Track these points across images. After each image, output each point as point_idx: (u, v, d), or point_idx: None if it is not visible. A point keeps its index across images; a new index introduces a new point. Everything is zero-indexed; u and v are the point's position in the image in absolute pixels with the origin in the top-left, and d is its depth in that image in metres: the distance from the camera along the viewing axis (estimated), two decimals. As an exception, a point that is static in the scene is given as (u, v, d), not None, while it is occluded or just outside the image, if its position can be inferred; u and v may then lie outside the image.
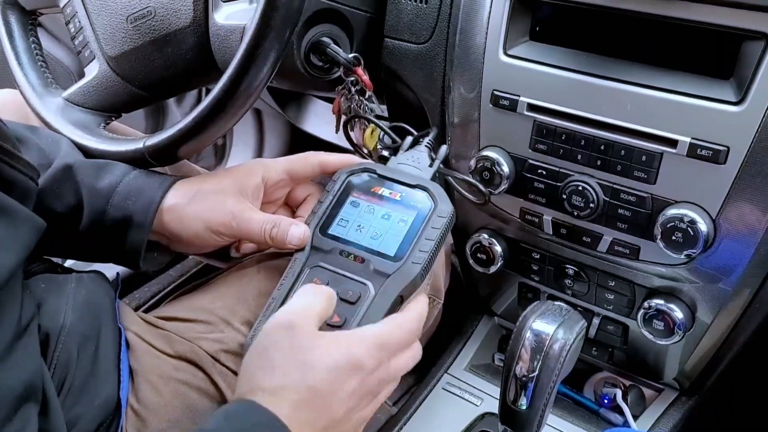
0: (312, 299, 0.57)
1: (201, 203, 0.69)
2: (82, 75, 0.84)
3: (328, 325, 0.60)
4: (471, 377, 0.92)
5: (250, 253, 0.76)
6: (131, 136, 0.93)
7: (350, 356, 0.53)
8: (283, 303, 0.63)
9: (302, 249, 0.67)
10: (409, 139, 0.78)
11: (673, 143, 0.68)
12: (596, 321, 0.86)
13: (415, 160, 0.75)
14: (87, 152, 0.76)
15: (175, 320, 0.70)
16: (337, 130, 0.95)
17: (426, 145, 0.77)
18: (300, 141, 1.55)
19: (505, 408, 0.71)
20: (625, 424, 0.85)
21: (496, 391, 0.89)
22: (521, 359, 0.69)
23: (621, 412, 0.87)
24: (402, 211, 0.68)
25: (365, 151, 0.94)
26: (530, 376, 0.68)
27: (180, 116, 1.63)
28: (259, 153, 1.64)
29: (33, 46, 0.87)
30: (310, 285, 0.61)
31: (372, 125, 0.88)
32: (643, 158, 0.70)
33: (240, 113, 0.70)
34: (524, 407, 0.69)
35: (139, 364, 0.65)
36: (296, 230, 0.67)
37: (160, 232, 0.70)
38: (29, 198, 0.58)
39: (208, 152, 1.85)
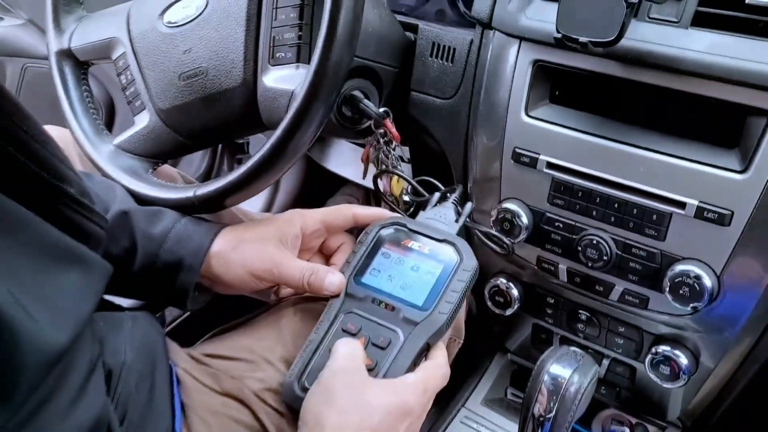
0: (354, 348, 0.63)
1: (245, 251, 0.74)
2: (111, 110, 0.89)
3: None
4: (487, 411, 0.97)
5: (287, 297, 0.81)
6: (174, 179, 0.99)
7: (403, 402, 0.59)
8: (319, 346, 0.69)
9: (337, 296, 0.72)
10: (437, 195, 0.84)
11: (681, 205, 0.74)
12: (606, 362, 0.91)
13: (443, 216, 0.80)
14: (139, 197, 0.81)
15: (220, 358, 0.75)
16: (364, 177, 1.01)
17: (453, 202, 0.83)
18: (315, 176, 1.60)
19: (524, 446, 0.76)
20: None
21: (509, 424, 0.95)
22: (539, 401, 0.74)
23: (627, 448, 0.92)
24: (430, 263, 0.74)
25: (390, 197, 1.00)
26: (547, 416, 0.73)
27: (208, 158, 1.71)
28: (275, 188, 1.68)
29: (85, 94, 0.92)
30: (345, 338, 0.66)
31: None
32: (654, 217, 0.76)
33: (286, 169, 0.75)
34: (541, 446, 0.74)
35: (190, 400, 0.70)
36: (333, 278, 0.72)
37: (206, 275, 0.75)
38: (100, 246, 0.64)
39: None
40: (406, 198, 0.96)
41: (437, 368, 0.65)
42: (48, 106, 0.96)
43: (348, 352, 0.62)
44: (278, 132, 0.72)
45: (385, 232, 0.77)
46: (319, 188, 1.66)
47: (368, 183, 1.00)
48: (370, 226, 0.77)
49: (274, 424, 0.70)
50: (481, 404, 0.97)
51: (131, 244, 0.74)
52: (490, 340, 1.06)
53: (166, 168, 0.95)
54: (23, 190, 0.50)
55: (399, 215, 0.80)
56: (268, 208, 1.74)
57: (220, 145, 1.71)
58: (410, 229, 0.77)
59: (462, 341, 0.92)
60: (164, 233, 0.74)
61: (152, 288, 0.75)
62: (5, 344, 0.42)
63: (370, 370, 0.66)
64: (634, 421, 0.95)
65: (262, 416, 0.70)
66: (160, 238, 0.74)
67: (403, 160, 1.06)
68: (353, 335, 0.69)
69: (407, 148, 1.11)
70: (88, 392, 0.56)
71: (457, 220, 0.79)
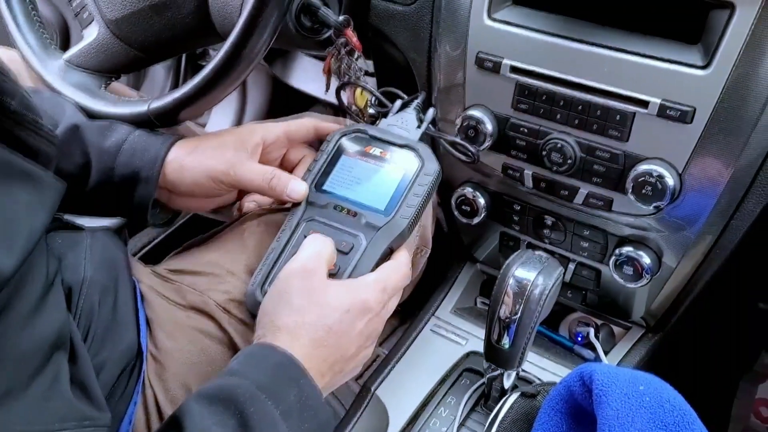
0: (321, 247, 0.62)
1: (201, 154, 0.73)
2: (66, 32, 0.86)
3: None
4: (456, 319, 0.98)
5: (250, 212, 0.80)
6: (129, 96, 0.96)
7: (362, 300, 0.60)
8: (281, 254, 0.69)
9: (299, 204, 0.72)
10: (398, 102, 0.83)
11: (644, 104, 0.73)
12: (572, 266, 0.92)
13: (404, 122, 0.80)
14: (92, 114, 0.79)
15: (184, 273, 0.75)
16: (327, 90, 0.98)
17: (414, 108, 0.82)
18: (282, 94, 1.57)
19: (490, 347, 0.78)
20: (597, 359, 0.92)
21: (479, 331, 0.96)
22: (504, 303, 0.75)
23: (593, 349, 0.94)
24: (391, 169, 0.73)
25: (354, 109, 0.98)
26: (513, 318, 0.74)
27: (162, 74, 1.66)
28: (242, 105, 1.65)
29: (30, 7, 0.88)
30: (317, 234, 0.66)
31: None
32: (617, 118, 0.75)
33: (241, 78, 0.73)
34: (507, 346, 0.76)
35: (155, 314, 0.70)
36: (296, 185, 0.72)
37: (163, 186, 0.74)
38: (51, 163, 0.62)
39: None
40: (372, 111, 0.94)
41: (397, 267, 0.65)
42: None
43: (313, 252, 0.62)
44: (231, 38, 0.70)
45: (346, 139, 0.76)
46: (287, 108, 1.62)
47: (334, 99, 0.98)
48: (331, 134, 0.76)
49: (239, 333, 0.70)
50: (450, 313, 0.99)
51: (84, 159, 0.72)
52: (459, 250, 1.06)
53: (119, 86, 0.92)
54: None
55: (361, 124, 0.79)
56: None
57: (182, 65, 1.66)
58: (371, 136, 0.76)
59: (429, 250, 0.93)
60: (118, 145, 0.72)
61: (110, 203, 0.74)
62: None
63: (332, 274, 0.66)
64: (599, 322, 0.97)
65: (227, 327, 0.70)
66: (113, 151, 0.72)
67: (367, 73, 1.04)
68: None
69: (371, 62, 1.09)
70: (46, 307, 0.55)
71: (419, 127, 0.79)
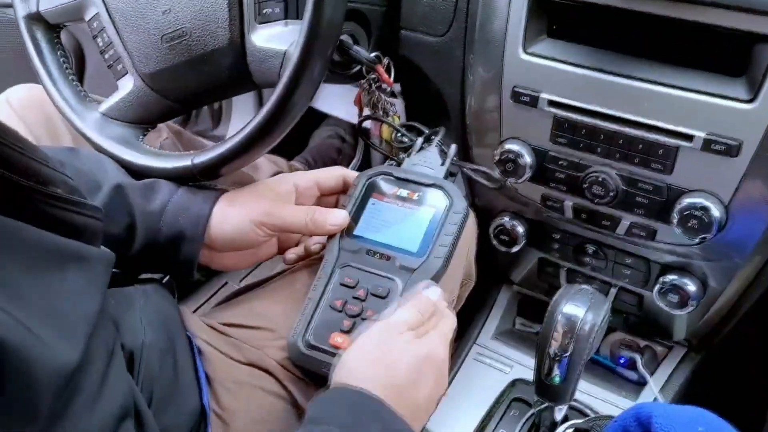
0: (411, 315, 0.64)
1: (242, 203, 0.74)
2: (80, 57, 0.84)
3: (362, 319, 0.68)
4: (498, 345, 0.99)
5: (296, 261, 0.81)
6: (161, 132, 0.97)
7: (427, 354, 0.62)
8: (319, 302, 0.70)
9: (332, 252, 0.72)
10: (419, 141, 0.84)
11: (688, 138, 0.73)
12: (613, 291, 0.92)
13: (428, 160, 0.81)
14: (133, 168, 0.79)
15: (239, 327, 0.75)
16: (359, 120, 0.99)
17: (437, 145, 0.83)
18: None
19: (541, 383, 0.78)
20: (640, 380, 0.93)
21: (522, 357, 0.97)
22: (554, 339, 0.75)
23: (634, 368, 0.95)
24: (421, 209, 0.74)
25: (380, 141, 0.99)
26: (563, 355, 0.75)
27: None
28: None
29: (62, 60, 0.88)
30: (430, 290, 0.67)
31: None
32: (660, 152, 0.75)
33: (286, 131, 0.73)
34: (558, 381, 0.77)
35: (215, 371, 0.71)
36: (337, 212, 0.74)
37: (207, 242, 0.74)
38: (97, 237, 0.61)
39: (205, 116, 1.86)
40: (405, 139, 0.94)
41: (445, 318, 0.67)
42: (15, 57, 0.91)
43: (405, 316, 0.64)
44: (275, 95, 0.70)
45: (372, 182, 0.77)
46: (302, 121, 1.63)
47: (346, 115, 0.98)
48: (357, 178, 0.77)
49: (301, 390, 0.71)
50: (492, 339, 0.99)
51: (129, 221, 0.72)
52: (496, 273, 1.06)
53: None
54: (7, 201, 0.48)
55: (384, 167, 0.80)
56: None
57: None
58: (397, 177, 0.77)
59: (474, 282, 0.93)
60: (162, 206, 0.73)
61: (155, 263, 0.74)
62: (16, 374, 0.41)
63: (371, 319, 0.67)
64: (642, 344, 0.98)
65: (288, 384, 0.70)
66: (158, 212, 0.73)
67: (395, 95, 1.04)
68: (351, 288, 0.70)
69: (398, 84, 1.09)
70: (110, 380, 0.55)
71: (443, 164, 0.79)
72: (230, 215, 0.74)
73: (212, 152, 0.75)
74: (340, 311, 0.70)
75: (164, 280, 0.82)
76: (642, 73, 0.74)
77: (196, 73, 0.79)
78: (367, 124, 1.05)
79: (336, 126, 1.62)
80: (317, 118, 1.59)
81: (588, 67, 0.77)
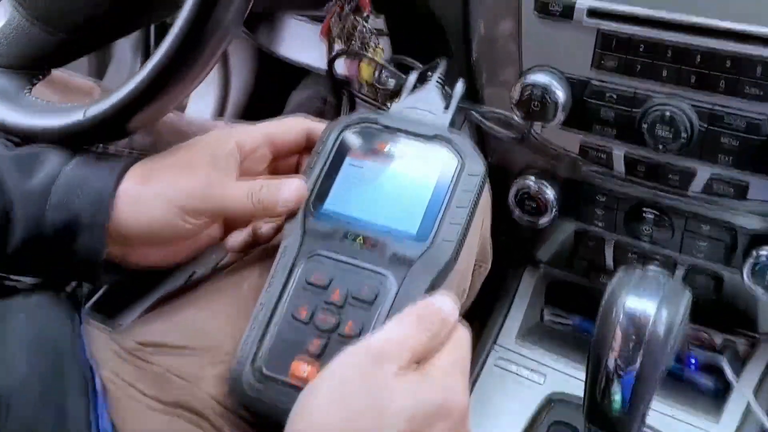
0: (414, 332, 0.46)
1: (162, 179, 0.55)
2: None
3: (344, 337, 0.49)
4: (524, 347, 0.80)
5: (244, 249, 0.61)
6: (78, 88, 0.77)
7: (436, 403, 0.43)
8: (274, 311, 0.51)
9: (293, 237, 0.54)
10: (413, 75, 0.64)
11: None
12: (680, 271, 0.73)
13: (426, 103, 0.61)
14: (7, 129, 0.58)
15: (163, 348, 0.55)
16: (329, 59, 0.79)
17: (438, 82, 0.62)
18: (273, 68, 1.35)
19: (594, 406, 0.58)
20: (719, 389, 0.73)
21: (556, 361, 0.79)
22: (613, 348, 0.55)
23: (712, 371, 0.75)
24: (420, 172, 0.55)
25: (359, 86, 0.79)
26: (629, 370, 0.55)
27: (129, 55, 1.47)
28: (225, 87, 1.47)
29: None
30: (442, 299, 0.49)
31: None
32: (759, 70, 0.55)
33: (211, 62, 0.53)
34: (619, 407, 0.57)
35: (123, 420, 0.51)
36: (288, 182, 0.54)
37: (115, 233, 0.54)
38: None
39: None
40: (392, 80, 0.74)
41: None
42: None
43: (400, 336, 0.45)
44: (187, 5, 0.48)
45: (349, 134, 0.58)
46: (279, 81, 1.46)
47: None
48: (327, 129, 0.58)
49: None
50: (516, 339, 0.80)
51: (1, 205, 0.52)
52: (516, 252, 0.87)
53: (61, 76, 0.72)
54: None
55: (365, 112, 0.60)
56: (220, 111, 1.54)
57: (152, 40, 1.44)
58: (384, 126, 0.57)
59: (489, 266, 0.74)
60: (47, 183, 0.54)
61: (42, 264, 0.55)
62: None
63: (351, 336, 0.49)
64: (718, 339, 0.78)
65: (228, 432, 0.51)
66: (43, 191, 0.53)
67: (379, 33, 0.83)
68: (322, 289, 0.51)
69: (382, 19, 0.87)
70: None
71: (446, 107, 0.60)
72: (145, 197, 0.54)
73: (111, 98, 0.54)
74: (307, 324, 0.50)
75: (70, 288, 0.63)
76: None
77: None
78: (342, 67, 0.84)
79: (317, 85, 1.44)
80: (295, 76, 1.40)
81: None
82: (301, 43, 1.06)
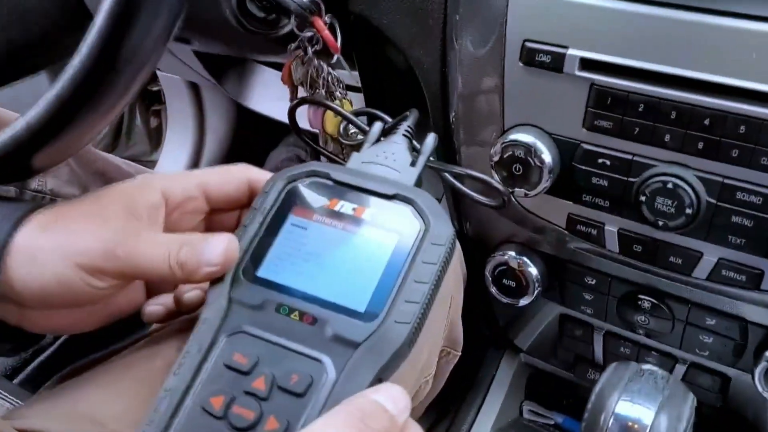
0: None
1: (64, 229, 0.46)
2: None
3: None
4: None
5: (164, 320, 0.52)
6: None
7: None
8: (182, 401, 0.42)
9: (215, 307, 0.45)
10: (377, 126, 0.55)
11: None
12: (681, 369, 0.64)
13: (389, 157, 0.52)
14: None
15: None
16: (291, 106, 0.71)
17: (405, 133, 0.54)
18: (250, 121, 1.33)
19: None
20: None
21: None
22: (601, 465, 0.46)
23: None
24: (375, 238, 0.47)
25: (324, 141, 0.73)
26: (619, 493, 0.45)
27: None
28: (200, 142, 1.43)
29: None
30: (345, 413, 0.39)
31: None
32: (778, 137, 0.47)
33: (127, 94, 0.45)
34: None
35: None
36: (216, 240, 0.45)
37: (8, 292, 0.45)
38: None
39: (142, 137, 1.65)
40: (360, 137, 0.66)
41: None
42: None
43: None
44: (97, 23, 0.41)
45: (294, 189, 0.49)
46: (256, 138, 1.43)
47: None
48: (270, 181, 0.49)
49: None
50: None
51: None
52: (493, 336, 0.79)
53: None
54: None
55: (315, 163, 0.51)
56: (194, 164, 1.48)
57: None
58: (336, 182, 0.49)
59: (460, 353, 0.65)
60: None
61: None
62: None
63: None
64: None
65: None
66: None
67: (351, 88, 0.76)
68: (243, 374, 0.42)
69: (356, 73, 0.80)
70: None
71: (413, 163, 0.51)
72: (41, 250, 0.45)
73: (9, 129, 0.45)
74: (219, 419, 0.41)
75: None
76: (740, 5, 0.47)
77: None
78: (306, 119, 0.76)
79: (296, 147, 1.39)
80: (275, 131, 1.37)
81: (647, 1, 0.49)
82: (271, 93, 0.99)
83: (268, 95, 1.01)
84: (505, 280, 0.66)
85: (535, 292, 0.65)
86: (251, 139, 1.46)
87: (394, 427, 0.37)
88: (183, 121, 1.45)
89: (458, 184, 0.59)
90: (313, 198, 0.49)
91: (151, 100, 1.56)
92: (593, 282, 0.63)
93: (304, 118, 0.73)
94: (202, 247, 0.45)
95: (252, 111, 1.11)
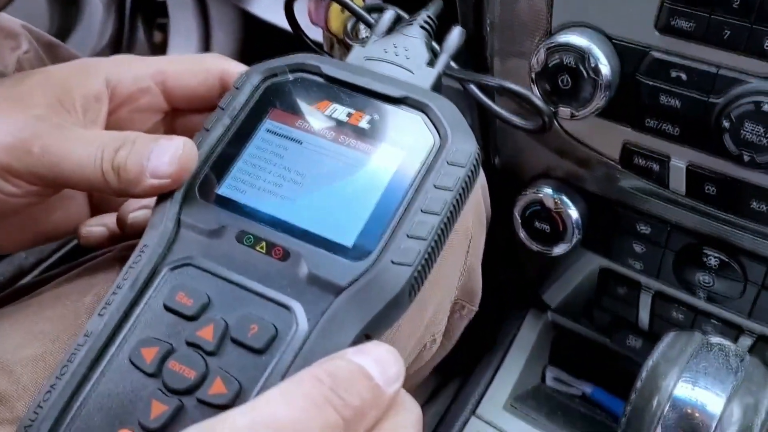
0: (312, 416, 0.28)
1: None
2: None
3: (207, 405, 0.33)
4: (514, 421, 0.62)
5: (100, 245, 0.46)
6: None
7: None
8: (106, 346, 0.35)
9: (158, 231, 0.38)
10: (388, 14, 0.47)
11: None
12: (747, 341, 0.57)
13: (402, 54, 0.45)
14: None
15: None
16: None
17: (423, 25, 0.45)
18: (259, 34, 1.26)
19: None
20: None
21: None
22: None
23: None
24: (373, 152, 0.39)
25: (329, 44, 0.65)
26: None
27: (113, 21, 1.43)
28: (206, 38, 1.41)
29: None
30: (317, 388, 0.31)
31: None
32: None
33: None
34: None
35: None
36: (168, 144, 0.37)
37: None
38: None
39: (144, 53, 1.62)
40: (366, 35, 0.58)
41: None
42: None
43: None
44: None
45: (274, 86, 0.41)
46: (266, 47, 1.41)
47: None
48: (243, 75, 0.41)
49: None
50: (504, 408, 0.63)
51: None
52: (517, 290, 0.72)
53: None
54: None
55: (308, 55, 0.43)
56: None
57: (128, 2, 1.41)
58: (330, 79, 0.41)
59: (476, 307, 0.59)
60: None
61: None
62: None
63: (217, 405, 0.33)
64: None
65: None
66: None
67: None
68: (188, 320, 0.35)
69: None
70: None
71: (431, 63, 0.43)
72: None
73: None
74: (152, 375, 0.34)
75: None
76: None
77: None
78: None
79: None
80: (284, 52, 1.37)
81: None
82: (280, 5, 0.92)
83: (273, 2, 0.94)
84: (537, 223, 0.59)
85: (574, 239, 0.58)
86: (259, 56, 1.45)
87: (378, 400, 0.28)
88: (187, 32, 1.41)
89: (486, 100, 0.49)
90: (298, 98, 0.40)
91: (156, 13, 1.52)
92: (647, 230, 0.56)
93: (304, 14, 0.65)
94: (148, 151, 0.36)
95: (260, 26, 1.05)
